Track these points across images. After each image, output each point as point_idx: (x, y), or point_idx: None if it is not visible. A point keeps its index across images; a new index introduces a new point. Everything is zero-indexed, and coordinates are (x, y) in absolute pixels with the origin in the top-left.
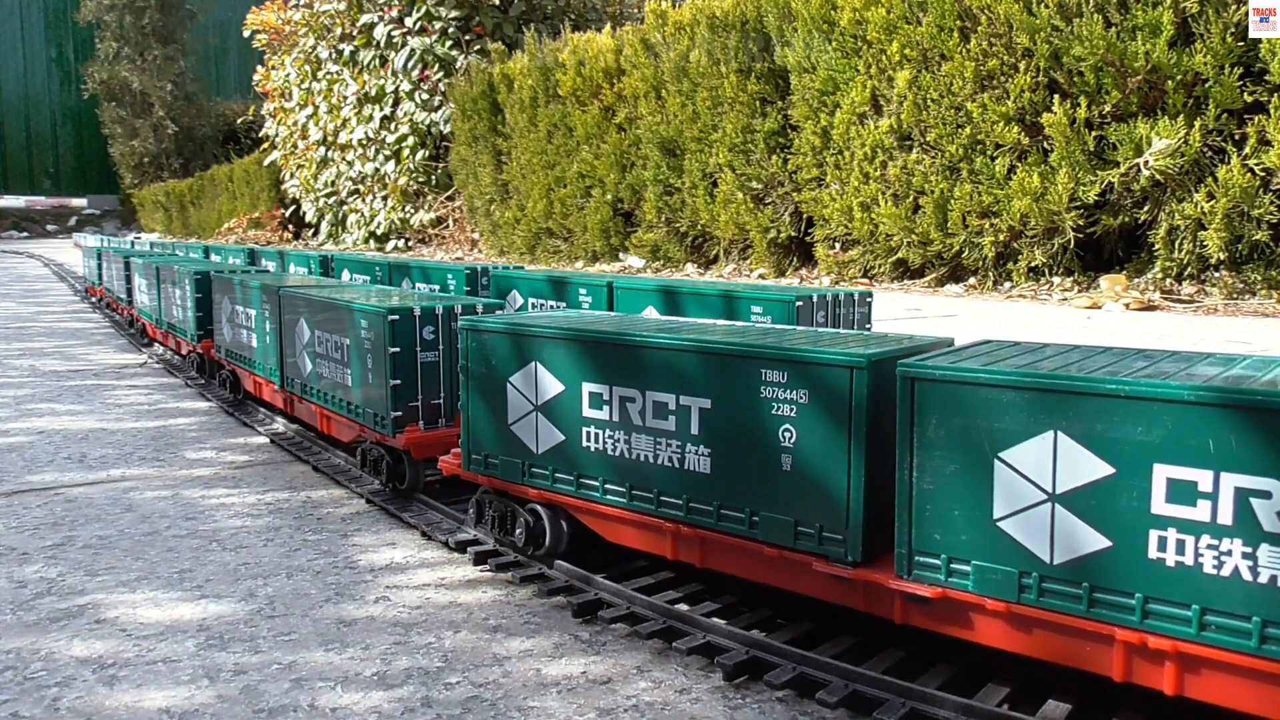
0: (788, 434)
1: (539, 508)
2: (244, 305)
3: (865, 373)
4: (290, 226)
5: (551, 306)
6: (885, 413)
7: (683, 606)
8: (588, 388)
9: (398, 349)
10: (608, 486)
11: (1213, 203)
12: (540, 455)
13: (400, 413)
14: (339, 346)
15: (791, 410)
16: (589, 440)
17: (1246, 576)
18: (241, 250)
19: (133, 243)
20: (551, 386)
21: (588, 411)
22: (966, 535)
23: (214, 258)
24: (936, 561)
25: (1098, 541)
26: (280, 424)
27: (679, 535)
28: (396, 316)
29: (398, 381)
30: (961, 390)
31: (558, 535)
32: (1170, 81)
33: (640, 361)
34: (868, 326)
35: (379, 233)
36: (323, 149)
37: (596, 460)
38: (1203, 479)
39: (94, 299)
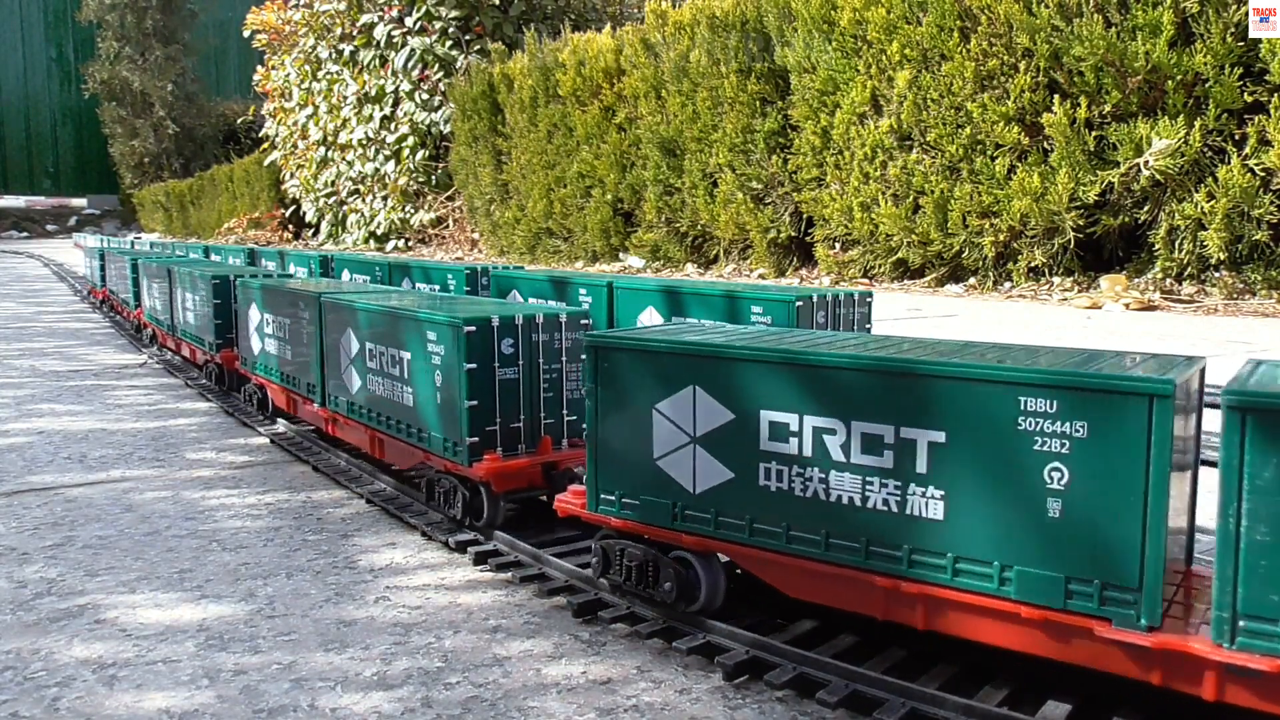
0: (1056, 474)
1: (690, 556)
2: (273, 313)
3: (1169, 401)
4: (290, 226)
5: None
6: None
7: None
8: (768, 416)
9: (474, 365)
10: (793, 533)
11: (1213, 203)
12: (698, 495)
13: (476, 438)
14: (396, 361)
15: (1063, 446)
16: (768, 478)
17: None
18: (241, 250)
19: (132, 243)
20: (717, 415)
21: (767, 444)
22: None
23: (214, 257)
24: (1275, 629)
25: None
26: (281, 425)
27: (896, 592)
28: (473, 328)
29: (474, 402)
30: None
31: (714, 588)
32: (1170, 81)
33: (839, 385)
34: (868, 327)
35: (379, 233)
36: (323, 149)
37: (779, 502)
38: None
39: (95, 299)
